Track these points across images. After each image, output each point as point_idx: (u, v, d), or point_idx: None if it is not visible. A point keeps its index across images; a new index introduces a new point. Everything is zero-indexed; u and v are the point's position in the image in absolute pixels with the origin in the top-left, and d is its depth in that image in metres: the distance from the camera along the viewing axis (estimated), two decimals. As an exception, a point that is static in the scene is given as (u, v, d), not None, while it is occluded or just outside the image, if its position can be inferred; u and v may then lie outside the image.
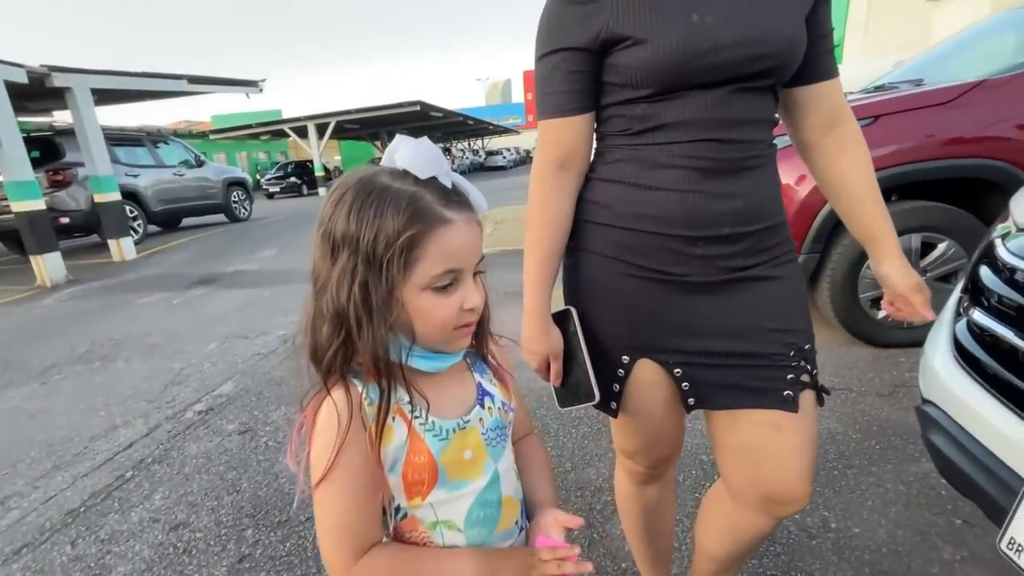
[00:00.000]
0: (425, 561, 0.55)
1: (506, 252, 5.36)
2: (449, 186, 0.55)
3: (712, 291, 0.75)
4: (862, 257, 2.29)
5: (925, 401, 0.97)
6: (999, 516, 0.72)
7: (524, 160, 38.05)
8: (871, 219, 0.81)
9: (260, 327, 3.68)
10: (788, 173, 2.36)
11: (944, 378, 0.91)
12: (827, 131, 0.80)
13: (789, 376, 0.75)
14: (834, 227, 2.31)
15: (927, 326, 2.34)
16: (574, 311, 0.81)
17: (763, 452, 0.77)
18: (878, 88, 2.90)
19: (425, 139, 0.55)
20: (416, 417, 0.55)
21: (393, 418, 0.54)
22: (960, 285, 1.01)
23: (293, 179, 22.06)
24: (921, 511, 1.42)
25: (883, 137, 2.22)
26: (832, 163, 0.81)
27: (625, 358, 0.80)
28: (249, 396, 2.59)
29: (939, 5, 7.57)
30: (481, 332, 0.63)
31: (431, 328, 0.54)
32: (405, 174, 0.53)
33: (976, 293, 0.90)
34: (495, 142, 47.21)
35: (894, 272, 0.80)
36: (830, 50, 0.77)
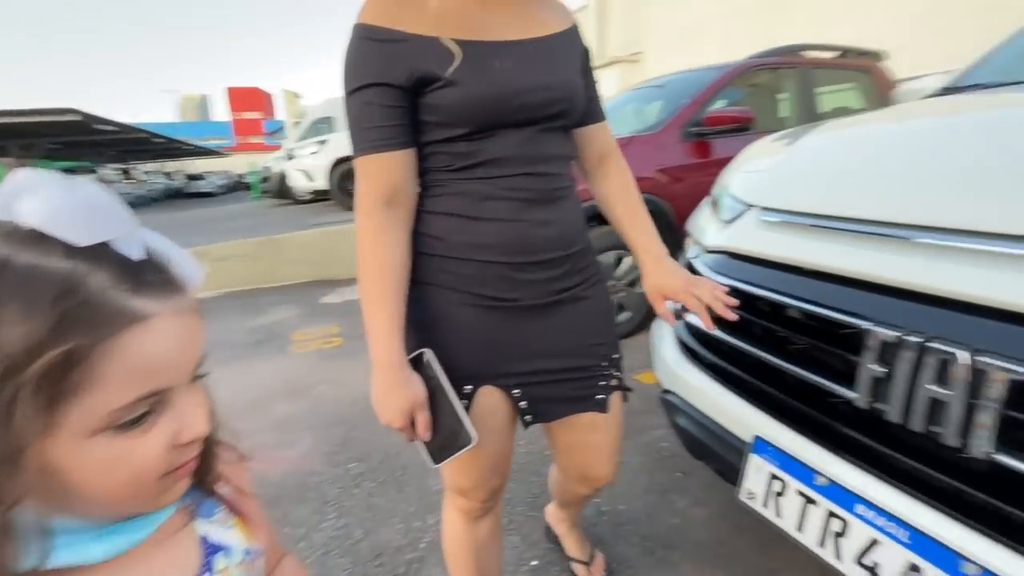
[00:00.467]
0: None
1: (235, 294, 4.58)
2: (135, 256, 0.34)
3: (542, 313, 0.82)
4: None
5: (665, 391, 1.20)
6: (733, 475, 0.93)
7: (236, 186, 33.45)
8: (640, 237, 0.97)
9: None
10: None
11: (675, 370, 1.14)
12: (599, 163, 0.97)
13: (602, 383, 0.89)
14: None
15: (625, 324, 2.91)
16: (430, 353, 0.78)
17: (583, 446, 0.96)
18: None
19: (83, 180, 0.34)
20: None
21: None
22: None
23: None
24: (657, 474, 1.78)
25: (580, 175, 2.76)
26: (602, 188, 0.99)
27: (467, 387, 0.81)
28: None
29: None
30: (207, 457, 0.42)
31: (115, 490, 0.34)
32: (42, 239, 0.31)
33: (685, 301, 1.16)
34: (197, 165, 40.32)
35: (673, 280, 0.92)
36: (596, 100, 0.94)
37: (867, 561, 0.70)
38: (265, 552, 0.48)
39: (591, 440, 0.95)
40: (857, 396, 0.72)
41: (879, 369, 0.68)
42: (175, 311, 0.35)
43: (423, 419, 0.76)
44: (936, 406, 0.63)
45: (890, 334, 0.67)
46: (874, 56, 3.86)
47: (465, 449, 0.76)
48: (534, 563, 1.43)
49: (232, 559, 0.43)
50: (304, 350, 3.20)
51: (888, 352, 0.67)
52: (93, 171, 20.71)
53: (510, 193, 0.77)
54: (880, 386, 0.69)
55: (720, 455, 0.98)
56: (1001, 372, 0.57)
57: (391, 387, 0.75)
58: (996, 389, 0.58)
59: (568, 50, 0.83)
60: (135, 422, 0.33)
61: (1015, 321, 0.58)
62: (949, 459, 0.63)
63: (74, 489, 0.32)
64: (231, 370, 2.92)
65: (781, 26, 6.97)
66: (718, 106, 3.11)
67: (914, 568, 0.65)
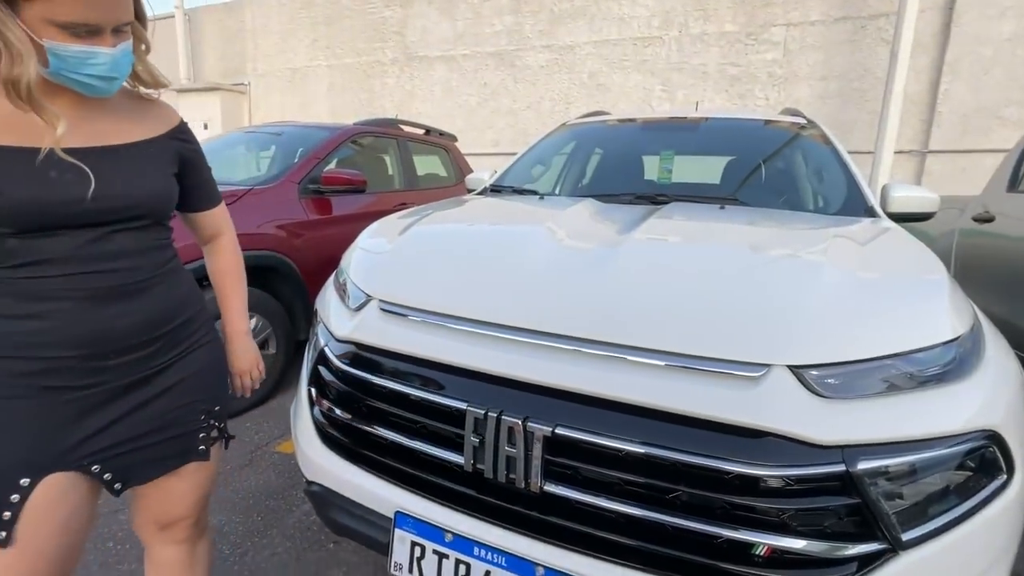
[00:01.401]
0: None
1: None
2: None
3: (135, 388, 0.86)
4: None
5: (310, 483, 1.18)
6: (383, 548, 1.02)
7: None
8: (227, 313, 1.10)
9: None
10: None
11: (317, 460, 1.15)
12: (210, 241, 1.10)
13: (202, 435, 0.96)
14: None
15: (256, 391, 2.70)
16: None
17: (165, 497, 0.96)
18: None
19: None
20: None
21: None
22: (305, 380, 1.29)
23: None
24: (310, 553, 1.71)
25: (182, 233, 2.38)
26: (212, 264, 1.11)
27: (24, 481, 0.78)
28: None
29: (186, 98, 8.67)
30: None
31: None
32: None
33: (321, 387, 1.19)
34: None
35: (235, 358, 1.09)
36: (207, 187, 1.04)
37: (485, 589, 0.90)
38: None
39: (176, 490, 0.97)
40: (463, 461, 0.92)
41: (475, 438, 0.90)
42: None
43: None
44: (509, 460, 0.88)
45: (479, 411, 0.89)
46: (451, 137, 4.91)
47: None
48: None
49: None
50: None
51: (479, 425, 0.90)
52: None
53: (72, 293, 0.79)
54: (477, 451, 0.90)
55: (369, 536, 1.04)
56: (540, 431, 0.86)
57: None
58: (539, 444, 0.86)
59: (148, 156, 0.87)
60: None
61: (547, 394, 0.89)
62: (522, 495, 0.89)
63: None
64: None
65: (378, 90, 7.93)
66: (333, 166, 3.28)
67: (511, 582, 0.88)
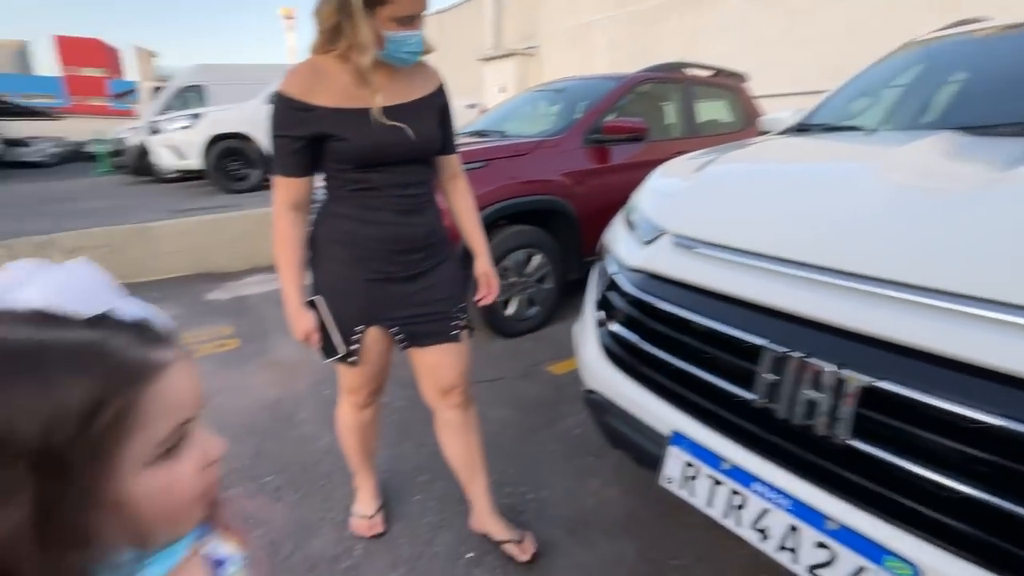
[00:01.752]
0: None
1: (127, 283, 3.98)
2: (132, 319, 0.40)
3: (411, 280, 1.26)
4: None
5: (590, 391, 1.34)
6: (650, 461, 1.10)
7: (74, 157, 27.87)
8: (471, 238, 1.45)
9: None
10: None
11: (599, 372, 1.29)
12: (449, 182, 1.40)
13: (454, 323, 1.33)
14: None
15: (534, 318, 3.08)
16: (320, 299, 1.24)
17: (439, 365, 1.35)
18: (478, 133, 3.67)
19: (75, 265, 0.40)
20: None
21: None
22: (592, 303, 1.44)
23: None
24: (573, 460, 1.96)
25: (495, 176, 2.85)
26: (453, 202, 1.43)
27: (359, 327, 1.27)
28: None
29: (486, 64, 10.02)
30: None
31: (172, 514, 0.40)
32: (53, 317, 0.36)
33: (608, 310, 1.31)
34: (17, 127, 33.17)
35: (478, 266, 1.46)
36: (450, 138, 1.34)
37: (760, 526, 0.89)
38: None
39: (444, 361, 1.35)
40: (755, 397, 0.90)
41: (772, 377, 0.87)
42: (179, 356, 0.41)
43: (313, 337, 1.25)
44: (811, 405, 0.82)
45: (780, 350, 0.85)
46: (739, 77, 4.42)
47: (337, 357, 1.28)
48: (469, 555, 1.52)
49: (236, 567, 0.49)
50: (195, 355, 2.92)
51: (778, 364, 0.86)
52: None
53: (390, 206, 1.20)
54: (772, 390, 0.87)
55: (641, 446, 1.14)
56: (857, 381, 0.77)
57: (292, 316, 1.24)
58: (853, 394, 0.78)
59: (428, 109, 1.22)
60: (171, 451, 0.39)
61: (868, 343, 0.79)
62: (819, 445, 0.83)
63: (141, 518, 0.38)
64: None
65: (658, 37, 7.61)
66: (614, 116, 3.38)
67: (793, 528, 0.85)
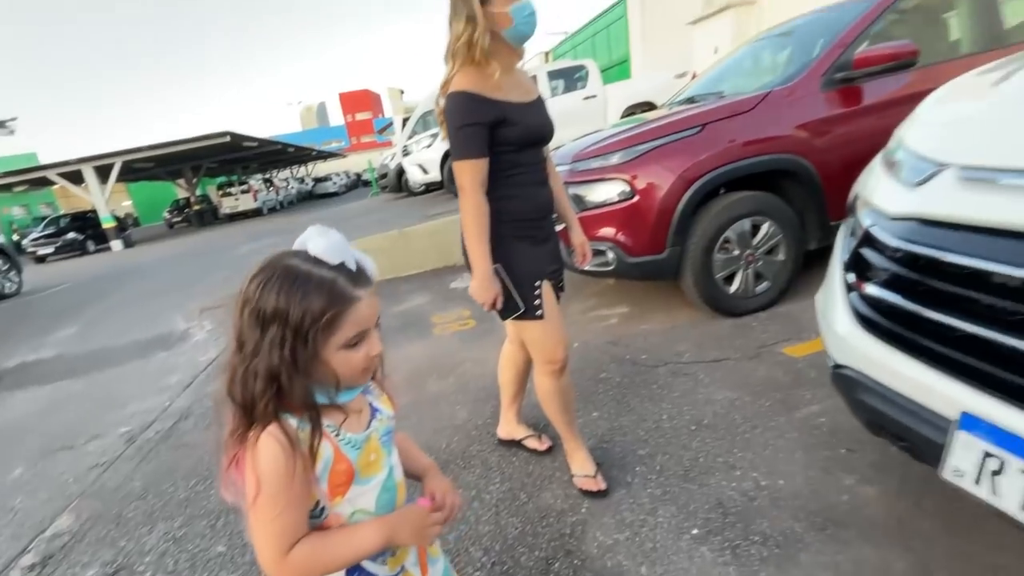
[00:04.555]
0: (337, 536, 0.71)
1: (376, 284, 5.08)
2: (355, 268, 0.70)
3: (548, 241, 1.59)
4: (712, 244, 2.69)
5: (839, 366, 1.16)
6: (930, 452, 0.89)
7: (356, 184, 36.32)
8: (565, 213, 1.74)
9: (87, 430, 2.94)
10: (639, 177, 2.66)
11: (854, 343, 1.10)
12: (546, 165, 1.62)
13: (561, 278, 1.70)
14: (687, 224, 2.67)
15: (763, 295, 2.75)
16: (499, 267, 1.48)
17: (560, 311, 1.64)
18: (690, 100, 3.43)
19: (333, 232, 0.70)
20: (338, 437, 0.71)
21: (320, 441, 0.68)
22: (839, 265, 1.23)
23: (72, 235, 18.14)
24: (818, 450, 1.71)
25: (711, 142, 2.64)
26: (551, 183, 1.64)
27: (537, 283, 1.53)
28: (104, 524, 2.04)
29: (696, 27, 9.23)
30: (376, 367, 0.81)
31: (350, 374, 0.70)
32: (319, 261, 0.67)
33: (862, 271, 1.10)
34: (320, 168, 44.46)
35: (576, 237, 1.76)
36: None
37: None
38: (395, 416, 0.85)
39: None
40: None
41: None
42: (369, 294, 0.70)
43: (499, 299, 1.48)
44: None
45: None
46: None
47: (518, 312, 1.53)
48: (694, 531, 1.48)
49: (384, 416, 0.80)
50: (444, 332, 3.49)
51: None
52: (244, 182, 23.84)
53: (535, 179, 1.53)
54: None
55: (913, 431, 0.94)
56: None
57: (485, 283, 1.45)
58: None
59: (543, 105, 1.55)
60: (355, 344, 0.69)
61: None
62: None
63: (337, 373, 0.69)
64: (387, 351, 3.29)
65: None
66: (866, 44, 2.75)
67: None
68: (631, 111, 8.50)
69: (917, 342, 0.94)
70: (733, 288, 2.80)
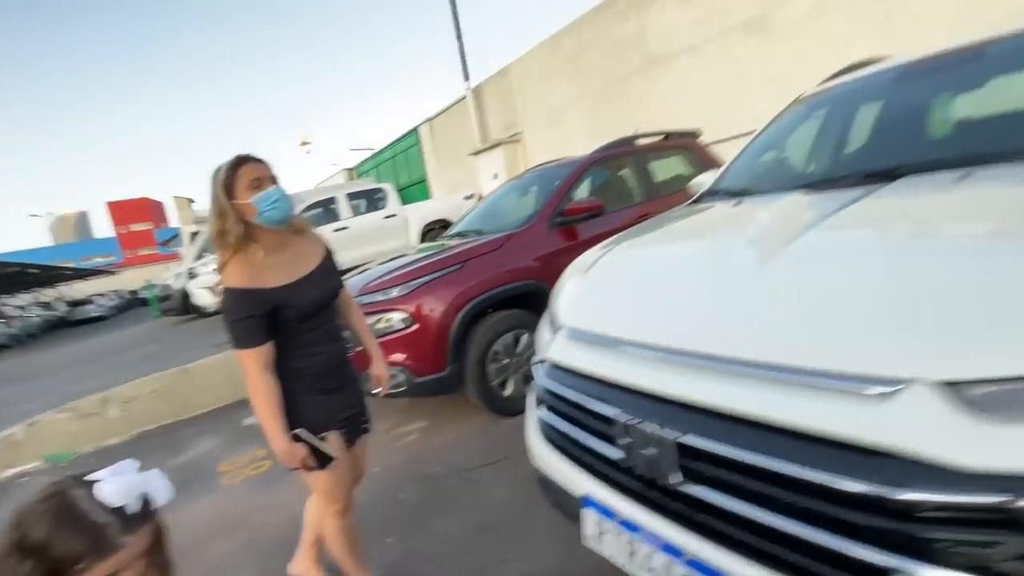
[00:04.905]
0: None
1: (150, 433, 4.43)
2: (138, 507, 0.75)
3: (342, 390, 1.73)
4: (484, 356, 3.17)
5: (537, 470, 1.56)
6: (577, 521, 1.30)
7: (130, 304, 30.47)
8: (369, 346, 1.91)
9: None
10: (416, 307, 3.07)
11: (538, 452, 1.51)
12: (347, 307, 1.86)
13: (365, 419, 1.84)
14: (461, 342, 3.12)
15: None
16: (302, 431, 1.57)
17: (362, 456, 1.88)
18: (459, 235, 4.10)
19: (130, 470, 0.77)
20: None
21: None
22: (533, 388, 1.69)
23: None
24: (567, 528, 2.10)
25: (471, 275, 3.21)
26: (352, 322, 1.89)
27: (323, 435, 1.63)
28: None
29: (477, 157, 10.88)
30: None
31: None
32: (99, 503, 0.72)
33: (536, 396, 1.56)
34: (80, 288, 36.60)
35: (375, 368, 1.90)
36: (339, 279, 1.79)
37: (651, 566, 1.08)
38: None
39: (364, 451, 1.89)
40: (621, 457, 1.12)
41: (626, 440, 1.10)
42: (143, 534, 0.75)
43: (306, 461, 1.57)
44: (651, 460, 1.04)
45: (624, 418, 1.09)
46: (692, 135, 4.81)
47: (332, 464, 1.63)
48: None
49: None
50: (234, 481, 3.24)
51: (629, 430, 1.09)
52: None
53: (324, 337, 1.66)
54: (629, 450, 1.10)
55: (568, 510, 1.35)
56: (670, 438, 1.00)
57: (289, 453, 1.54)
58: (670, 448, 1.00)
59: (327, 266, 1.70)
60: None
61: (682, 407, 1.02)
62: (666, 490, 1.04)
63: None
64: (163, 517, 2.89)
65: (624, 106, 8.22)
66: (577, 195, 3.76)
67: (666, 565, 1.04)
68: (430, 227, 9.35)
69: (564, 448, 1.38)
70: (508, 392, 3.28)
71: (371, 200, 9.62)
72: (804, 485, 0.82)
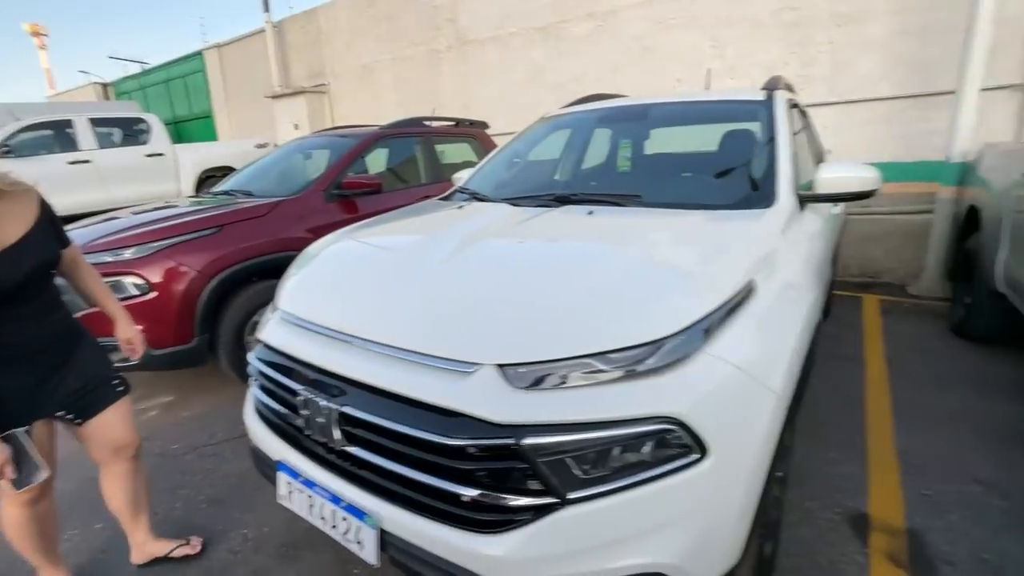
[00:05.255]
0: None
1: None
2: None
3: (57, 370, 1.50)
4: (243, 327, 3.04)
5: (250, 441, 1.66)
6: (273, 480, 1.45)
7: None
8: (107, 307, 1.70)
9: None
10: (156, 273, 2.78)
11: (250, 425, 1.61)
12: (72, 267, 1.62)
13: (115, 386, 1.66)
14: (214, 313, 2.94)
15: None
16: (17, 432, 1.36)
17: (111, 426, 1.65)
18: (226, 193, 3.77)
19: None
20: None
21: None
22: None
23: None
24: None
25: (229, 241, 3.02)
26: (81, 282, 1.66)
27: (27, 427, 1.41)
28: None
29: (276, 102, 9.81)
30: None
31: None
32: None
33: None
34: None
35: (122, 332, 1.71)
36: (63, 235, 1.56)
37: (322, 515, 1.29)
38: None
39: (118, 419, 1.66)
40: (303, 425, 1.30)
41: (306, 412, 1.28)
42: None
43: (7, 468, 1.34)
44: (323, 427, 1.24)
45: (302, 391, 1.27)
46: (481, 125, 5.18)
47: (41, 478, 1.40)
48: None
49: None
50: None
51: (310, 404, 1.27)
52: None
53: (35, 314, 1.42)
54: (308, 420, 1.28)
55: (268, 473, 1.49)
56: (334, 408, 1.21)
57: None
58: (335, 416, 1.21)
59: (38, 234, 1.39)
60: None
61: (344, 380, 1.23)
62: (334, 451, 1.26)
63: None
64: None
65: (436, 80, 8.34)
66: (359, 169, 3.78)
67: (333, 512, 1.26)
68: (209, 174, 8.20)
69: (268, 420, 1.50)
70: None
71: (129, 131, 7.96)
72: (419, 441, 1.10)
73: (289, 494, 1.39)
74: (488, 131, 5.31)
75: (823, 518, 1.97)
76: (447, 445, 1.05)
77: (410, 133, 4.37)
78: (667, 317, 1.12)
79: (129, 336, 1.71)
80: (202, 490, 2.31)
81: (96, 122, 7.58)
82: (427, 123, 4.59)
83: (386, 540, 1.18)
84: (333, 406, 1.21)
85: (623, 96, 3.27)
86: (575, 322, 1.13)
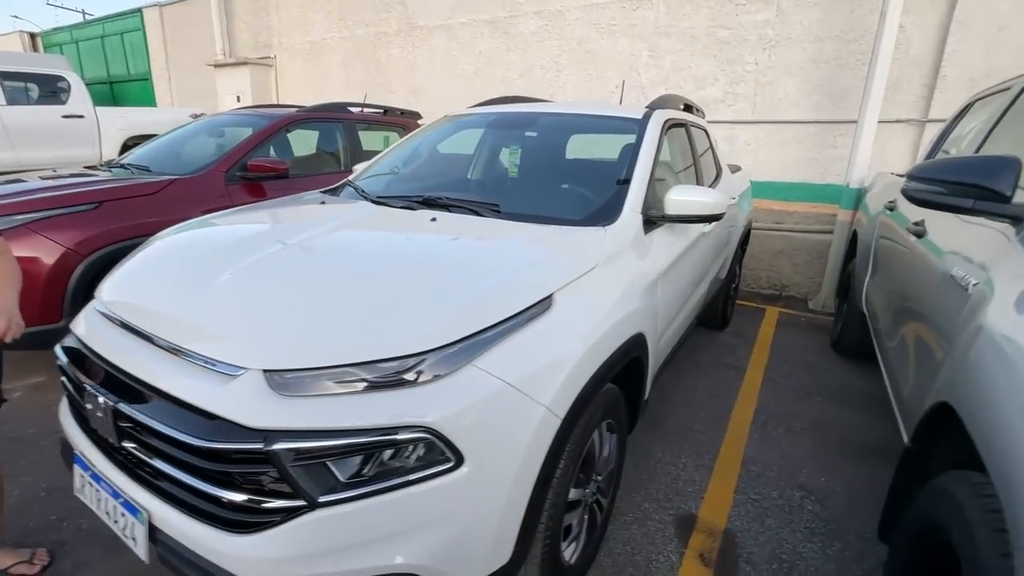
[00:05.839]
0: None
1: None
2: None
3: None
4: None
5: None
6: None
7: None
8: None
9: None
10: (22, 247, 2.64)
11: (61, 416, 1.56)
12: None
13: None
14: (86, 292, 2.81)
15: None
16: None
17: None
18: (123, 167, 3.60)
19: None
20: None
21: None
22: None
23: None
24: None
25: (108, 218, 2.89)
26: None
27: None
28: None
29: (218, 71, 9.41)
30: None
31: None
32: None
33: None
34: None
35: None
36: None
37: (106, 509, 1.29)
38: None
39: None
40: (90, 418, 1.29)
41: (92, 404, 1.26)
42: None
43: None
44: (105, 423, 1.23)
45: (87, 385, 1.25)
46: (414, 115, 5.13)
47: None
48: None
49: None
50: None
51: (94, 397, 1.26)
52: None
53: None
54: (94, 414, 1.27)
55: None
56: (108, 402, 1.20)
57: None
58: (118, 416, 1.21)
59: None
60: None
61: (133, 381, 1.23)
62: (114, 448, 1.25)
63: None
64: None
65: (384, 62, 8.18)
66: (268, 151, 3.68)
67: (115, 507, 1.25)
68: (135, 141, 7.79)
69: (72, 412, 1.47)
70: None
71: (45, 89, 7.44)
72: (178, 442, 1.11)
73: (82, 487, 1.37)
74: (425, 121, 5.27)
75: (655, 519, 2.09)
76: (202, 448, 1.07)
77: (332, 118, 4.29)
78: (438, 330, 1.17)
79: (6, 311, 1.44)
80: (44, 478, 2.23)
81: (6, 75, 7.05)
82: (352, 109, 4.51)
83: (156, 537, 1.18)
84: (109, 401, 1.20)
85: (540, 100, 3.32)
86: (349, 331, 1.16)
